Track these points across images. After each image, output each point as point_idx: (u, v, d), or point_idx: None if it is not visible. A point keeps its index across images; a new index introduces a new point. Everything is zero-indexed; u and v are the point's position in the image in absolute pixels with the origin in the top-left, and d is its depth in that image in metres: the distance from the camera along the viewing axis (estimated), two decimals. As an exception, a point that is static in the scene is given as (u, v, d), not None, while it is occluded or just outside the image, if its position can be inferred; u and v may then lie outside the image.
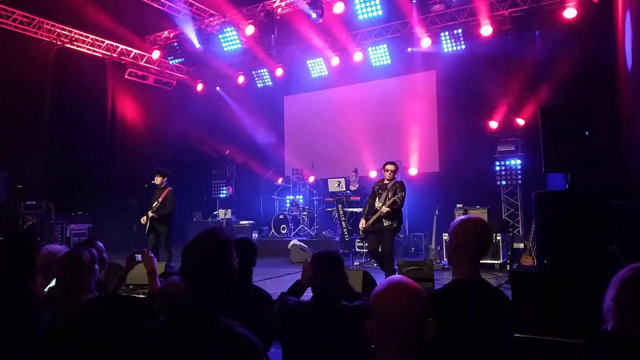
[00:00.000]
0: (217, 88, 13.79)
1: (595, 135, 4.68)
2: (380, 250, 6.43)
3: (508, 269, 7.36)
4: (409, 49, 10.95)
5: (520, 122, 9.51)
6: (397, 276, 1.49)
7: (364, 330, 1.45)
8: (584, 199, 4.45)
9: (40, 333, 2.40)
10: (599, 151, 6.38)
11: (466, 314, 1.93)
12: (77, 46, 11.30)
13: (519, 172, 9.31)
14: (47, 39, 10.78)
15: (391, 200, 6.24)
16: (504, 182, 9.48)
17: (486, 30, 9.43)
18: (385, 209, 6.21)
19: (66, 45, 11.05)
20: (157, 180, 7.68)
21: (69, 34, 11.01)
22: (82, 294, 2.43)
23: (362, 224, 6.57)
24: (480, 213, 8.25)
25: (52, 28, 10.75)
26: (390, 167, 6.57)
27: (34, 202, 9.80)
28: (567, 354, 3.44)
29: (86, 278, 2.47)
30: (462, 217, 2.19)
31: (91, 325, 2.31)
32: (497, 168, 9.50)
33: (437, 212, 8.56)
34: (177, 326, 1.64)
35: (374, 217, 6.39)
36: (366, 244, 7.26)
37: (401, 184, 6.49)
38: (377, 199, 6.50)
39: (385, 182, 6.60)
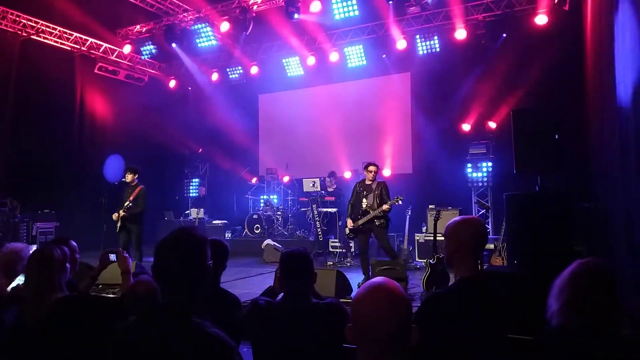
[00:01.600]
0: (189, 88, 13.59)
1: (565, 139, 4.81)
2: (381, 247, 6.77)
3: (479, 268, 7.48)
4: (384, 56, 11.07)
5: (492, 125, 9.70)
6: (379, 280, 1.43)
7: (345, 334, 1.40)
8: (552, 200, 4.57)
9: (4, 332, 2.31)
10: (568, 154, 6.57)
11: (473, 311, 1.98)
12: (44, 38, 10.89)
13: (490, 174, 9.50)
14: (11, 30, 10.34)
15: (389, 203, 6.45)
16: (475, 184, 9.65)
17: (460, 34, 9.58)
18: (386, 207, 6.42)
19: (32, 36, 10.63)
20: (128, 177, 7.52)
21: (35, 25, 10.60)
22: (53, 292, 2.37)
23: (350, 224, 6.75)
24: (451, 214, 8.37)
25: (17, 18, 10.32)
26: (372, 168, 6.76)
27: (-3, 200, 9.45)
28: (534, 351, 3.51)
29: (57, 276, 2.41)
30: (458, 218, 2.24)
31: (61, 324, 2.26)
32: (469, 170, 9.68)
33: (409, 213, 8.64)
34: (149, 326, 1.59)
35: (366, 218, 6.58)
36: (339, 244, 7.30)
37: (384, 185, 6.73)
38: (364, 200, 6.65)
39: (368, 182, 6.76)
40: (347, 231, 6.87)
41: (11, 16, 10.21)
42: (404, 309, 1.37)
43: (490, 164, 9.51)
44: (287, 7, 9.47)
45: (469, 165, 9.67)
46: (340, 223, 9.17)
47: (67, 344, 2.23)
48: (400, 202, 6.63)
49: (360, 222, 6.61)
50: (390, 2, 9.18)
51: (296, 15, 9.44)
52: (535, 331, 3.54)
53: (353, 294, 5.51)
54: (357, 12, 9.53)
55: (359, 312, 1.37)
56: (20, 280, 2.93)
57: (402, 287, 1.43)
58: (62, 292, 2.43)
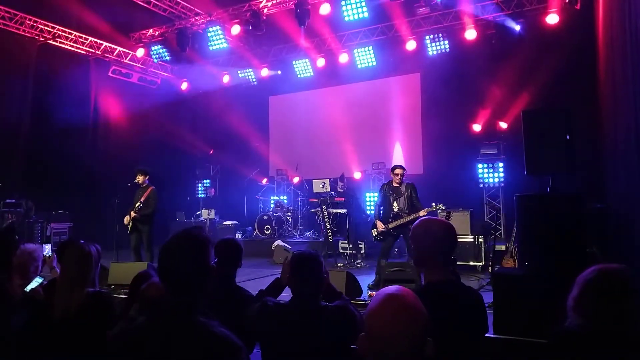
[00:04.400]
0: (198, 90, 13.67)
1: (577, 139, 4.75)
2: (408, 252, 6.66)
3: (490, 270, 7.43)
4: (391, 59, 11.12)
5: (503, 125, 9.63)
6: (394, 290, 1.37)
7: (357, 344, 1.36)
8: (564, 201, 4.51)
9: (12, 333, 2.37)
10: (580, 154, 6.49)
11: (440, 317, 1.91)
12: (60, 42, 11.12)
13: (502, 174, 9.42)
14: (29, 35, 10.59)
15: (426, 210, 6.39)
16: (486, 185, 9.58)
17: (470, 34, 9.54)
18: (423, 213, 6.35)
19: (49, 41, 10.87)
20: (139, 179, 7.60)
21: (52, 30, 10.83)
22: (85, 287, 2.49)
23: (380, 226, 6.67)
24: (462, 215, 8.32)
25: (35, 24, 10.56)
26: (399, 171, 6.74)
27: (13, 201, 9.63)
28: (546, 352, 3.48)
29: (92, 272, 2.55)
30: (424, 219, 2.15)
31: (90, 317, 2.35)
32: (480, 170, 9.61)
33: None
34: (156, 326, 1.62)
35: (398, 222, 6.52)
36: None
37: (414, 187, 6.72)
38: (394, 203, 6.62)
39: (395, 184, 6.73)
40: (375, 233, 6.79)
41: (29, 22, 10.45)
42: (422, 322, 1.32)
43: (501, 164, 9.44)
44: (297, 10, 9.53)
45: (480, 165, 9.61)
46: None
47: (92, 336, 2.29)
48: (440, 210, 6.52)
49: (392, 225, 6.55)
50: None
51: (302, 27, 9.62)
52: (547, 333, 3.53)
53: (363, 296, 5.53)
54: (366, 14, 9.51)
55: (374, 325, 1.32)
56: (36, 282, 2.98)
57: (417, 297, 1.38)
58: (94, 287, 2.57)
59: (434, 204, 6.47)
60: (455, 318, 1.93)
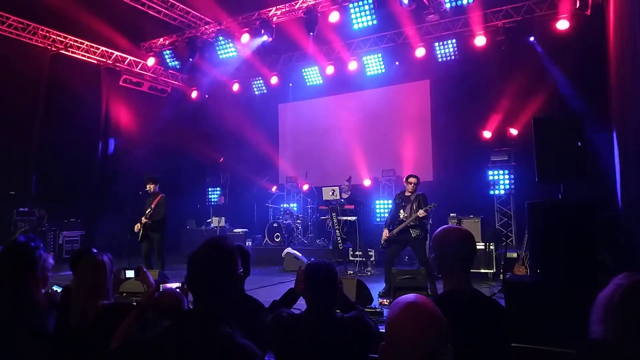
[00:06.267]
0: (206, 96, 13.75)
1: (588, 146, 4.72)
2: (418, 260, 6.75)
3: (501, 278, 7.37)
4: (396, 63, 11.15)
5: (514, 132, 9.57)
6: (413, 298, 1.38)
7: (378, 353, 1.36)
8: (575, 209, 4.49)
9: (45, 338, 2.42)
10: (591, 162, 6.45)
11: (459, 325, 1.91)
12: (72, 52, 11.28)
13: (512, 181, 9.36)
14: (42, 45, 10.76)
15: (424, 209, 6.44)
16: (497, 192, 9.52)
17: (480, 40, 9.52)
18: (421, 213, 6.41)
19: (61, 51, 11.03)
20: (149, 187, 7.69)
21: (64, 40, 11.00)
22: (101, 298, 2.51)
23: (386, 233, 6.77)
24: (473, 222, 8.28)
25: (47, 34, 10.74)
26: (412, 179, 6.80)
27: (26, 209, 9.74)
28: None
29: (107, 282, 2.57)
30: (444, 227, 2.17)
31: (105, 329, 2.36)
32: (490, 177, 9.55)
33: (430, 221, 8.56)
34: (181, 333, 1.64)
35: (400, 227, 6.61)
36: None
37: (423, 196, 6.74)
38: (401, 211, 6.70)
39: (407, 194, 6.82)
40: (382, 241, 6.87)
41: (41, 32, 10.63)
42: (441, 328, 1.33)
43: (512, 171, 9.39)
44: (306, 17, 9.60)
45: (491, 172, 9.56)
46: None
47: (106, 348, 2.32)
48: (432, 208, 6.61)
49: (395, 230, 6.63)
50: (405, 3, 8.94)
51: (311, 34, 9.69)
52: (558, 340, 3.48)
53: (374, 304, 5.51)
54: (375, 22, 9.56)
55: (395, 333, 1.32)
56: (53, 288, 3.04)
57: (435, 305, 1.40)
58: (108, 298, 2.57)
59: (431, 204, 6.53)
60: (473, 327, 1.91)
